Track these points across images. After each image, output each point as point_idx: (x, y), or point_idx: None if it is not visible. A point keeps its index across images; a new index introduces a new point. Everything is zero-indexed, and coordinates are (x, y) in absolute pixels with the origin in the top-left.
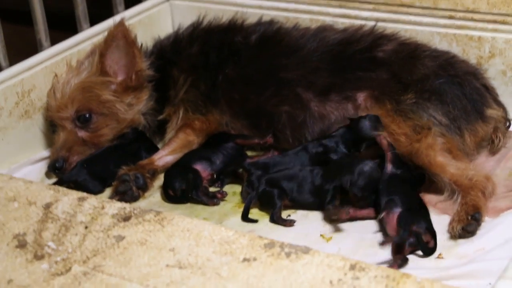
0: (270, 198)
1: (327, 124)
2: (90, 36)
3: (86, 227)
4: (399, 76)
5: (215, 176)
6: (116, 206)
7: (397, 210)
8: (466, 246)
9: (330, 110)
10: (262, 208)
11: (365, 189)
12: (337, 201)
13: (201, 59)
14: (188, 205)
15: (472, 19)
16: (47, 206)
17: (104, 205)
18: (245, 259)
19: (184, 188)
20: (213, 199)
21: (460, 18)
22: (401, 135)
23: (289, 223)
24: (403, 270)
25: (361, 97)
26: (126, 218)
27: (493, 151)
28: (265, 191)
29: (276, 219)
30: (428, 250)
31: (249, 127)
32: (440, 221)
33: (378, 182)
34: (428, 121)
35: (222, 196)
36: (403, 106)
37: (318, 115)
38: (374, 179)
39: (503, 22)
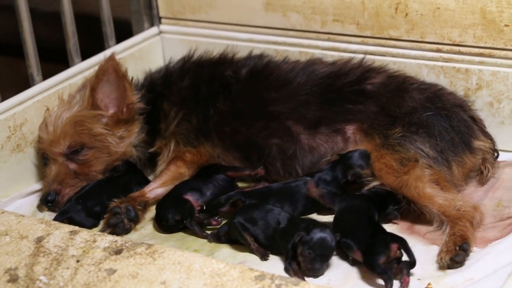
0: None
1: (317, 156)
2: (81, 70)
3: (77, 261)
4: (387, 109)
5: (204, 207)
6: (108, 239)
7: (357, 251)
8: (455, 276)
9: (320, 142)
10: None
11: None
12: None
13: (192, 92)
14: (179, 236)
15: (459, 52)
16: (39, 240)
17: (95, 239)
18: None
19: (178, 218)
20: (203, 233)
21: (447, 51)
22: (388, 168)
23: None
24: None
25: (350, 130)
26: (118, 251)
27: (482, 182)
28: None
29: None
30: (410, 261)
31: (240, 159)
32: (429, 251)
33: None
34: (415, 153)
35: (218, 223)
36: (390, 140)
37: (308, 147)
38: (326, 247)
39: (490, 55)
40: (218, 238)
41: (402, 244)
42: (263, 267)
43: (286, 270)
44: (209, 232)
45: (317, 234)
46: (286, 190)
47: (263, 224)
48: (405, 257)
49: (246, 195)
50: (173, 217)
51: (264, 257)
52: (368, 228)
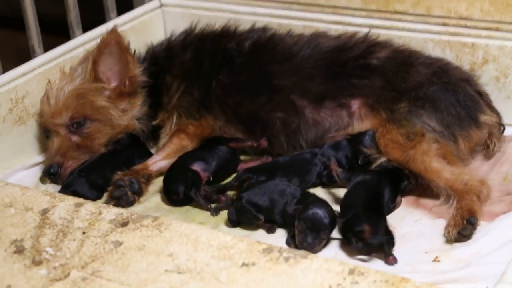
0: (249, 214)
1: (321, 131)
2: (83, 42)
3: (83, 233)
4: (393, 83)
5: (211, 178)
6: (113, 212)
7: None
8: (462, 249)
9: (325, 117)
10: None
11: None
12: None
13: (194, 65)
14: (184, 209)
15: (466, 26)
16: (44, 212)
17: (101, 211)
18: (243, 264)
19: (188, 191)
20: (208, 206)
21: (453, 25)
22: (394, 143)
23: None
24: (400, 273)
25: (355, 104)
26: (124, 224)
27: (488, 156)
28: (241, 207)
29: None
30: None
31: (243, 132)
32: (436, 225)
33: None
34: (421, 128)
35: (227, 199)
36: (396, 115)
37: (312, 122)
38: (317, 221)
39: (497, 29)
40: (230, 220)
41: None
42: (270, 241)
43: (288, 243)
44: (213, 205)
45: (312, 209)
46: (293, 163)
47: (274, 200)
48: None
49: (253, 172)
50: (183, 190)
51: (270, 230)
52: (365, 203)
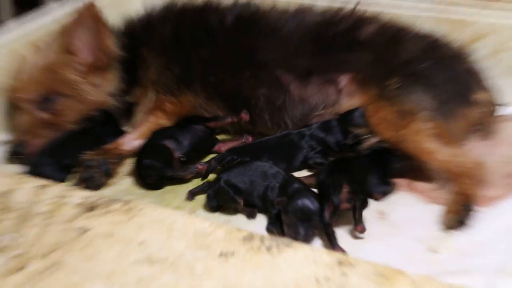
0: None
1: (307, 108)
2: (57, 16)
3: (46, 218)
4: (383, 59)
5: (182, 159)
6: (80, 195)
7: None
8: (460, 237)
9: (311, 93)
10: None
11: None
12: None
13: (174, 39)
14: (159, 192)
15: (457, 3)
16: (3, 195)
17: (66, 194)
18: (222, 254)
19: (160, 166)
20: (191, 169)
21: (444, 2)
22: (386, 122)
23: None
24: (393, 264)
25: (343, 80)
26: (91, 208)
27: (484, 137)
28: (219, 189)
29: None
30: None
31: (224, 110)
32: (430, 211)
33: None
34: (414, 105)
35: (203, 167)
36: (387, 91)
37: (298, 98)
38: (307, 212)
39: (487, 6)
40: (209, 204)
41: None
42: (251, 227)
43: (268, 231)
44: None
45: (298, 200)
46: (280, 146)
47: (255, 183)
48: None
49: (237, 153)
50: (159, 166)
51: (251, 215)
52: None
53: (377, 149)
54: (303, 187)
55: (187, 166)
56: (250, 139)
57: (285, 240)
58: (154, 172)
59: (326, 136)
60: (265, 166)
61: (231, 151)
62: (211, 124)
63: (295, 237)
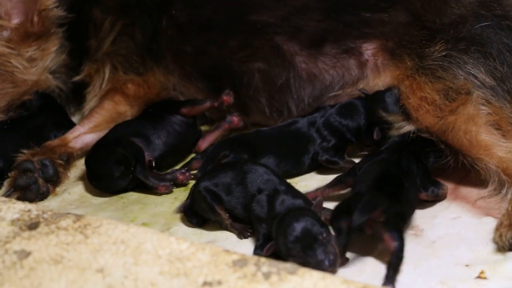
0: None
1: (319, 88)
2: None
3: None
4: (422, 18)
5: (153, 163)
6: (17, 208)
7: None
8: None
9: (324, 68)
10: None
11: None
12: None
13: None
14: (120, 203)
15: None
16: None
17: None
18: (205, 283)
19: (123, 168)
20: (165, 182)
21: None
22: (428, 104)
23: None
24: None
25: (368, 49)
26: (32, 226)
27: None
28: (197, 195)
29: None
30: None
31: (206, 92)
32: (482, 226)
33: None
34: (465, 82)
35: (186, 177)
36: (429, 62)
37: (306, 75)
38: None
39: None
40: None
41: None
42: (243, 248)
43: (257, 255)
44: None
45: (291, 226)
46: (285, 136)
47: (241, 191)
48: None
49: (231, 147)
50: (118, 166)
51: (243, 234)
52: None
53: (413, 139)
54: (292, 207)
55: (163, 176)
56: (236, 120)
57: (288, 265)
58: (112, 176)
59: (345, 122)
60: (259, 170)
61: (222, 144)
62: (184, 110)
63: (317, 267)
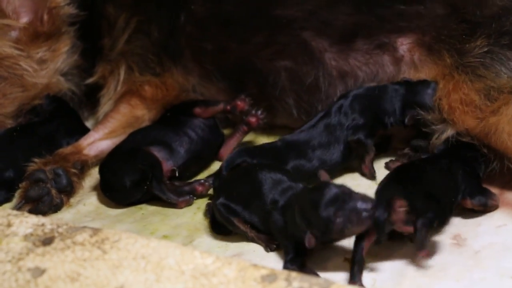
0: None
1: (351, 86)
2: None
3: None
4: (462, 10)
5: (177, 173)
6: (30, 222)
7: None
8: None
9: (356, 65)
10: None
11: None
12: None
13: None
14: (138, 215)
15: None
16: None
17: (10, 221)
18: None
19: (137, 178)
20: (185, 196)
21: None
22: (467, 105)
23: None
24: None
25: (403, 44)
26: (47, 241)
27: None
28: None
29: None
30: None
31: (228, 93)
32: None
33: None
34: (509, 80)
35: (204, 188)
36: (469, 59)
37: (337, 73)
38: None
39: None
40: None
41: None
42: (270, 261)
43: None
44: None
45: (322, 193)
46: (315, 136)
47: (259, 203)
48: None
49: (252, 154)
50: (131, 177)
51: (269, 247)
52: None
53: (455, 146)
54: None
55: (180, 188)
56: (253, 121)
57: (321, 280)
58: (126, 188)
59: (378, 102)
60: (275, 177)
61: (242, 152)
62: (198, 111)
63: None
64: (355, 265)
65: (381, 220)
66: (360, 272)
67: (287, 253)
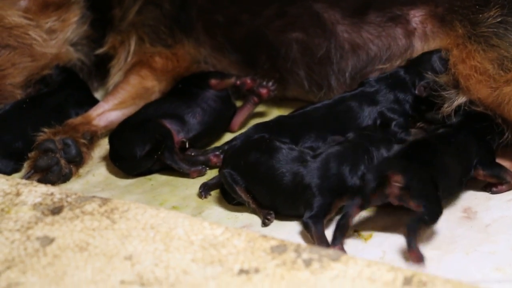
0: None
1: (363, 60)
2: None
3: None
4: None
5: (187, 145)
6: (39, 191)
7: None
8: None
9: (368, 37)
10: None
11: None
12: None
13: None
14: (148, 186)
15: None
16: None
17: (19, 190)
18: (242, 271)
19: (148, 148)
20: (197, 167)
21: None
22: (480, 74)
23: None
24: (484, 282)
25: (416, 17)
26: (56, 210)
27: None
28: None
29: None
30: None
31: (240, 65)
32: None
33: None
34: None
35: (219, 159)
36: (482, 29)
37: (349, 45)
38: None
39: None
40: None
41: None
42: (280, 233)
43: (307, 226)
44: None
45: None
46: (333, 116)
47: (266, 173)
48: None
49: (270, 129)
50: (142, 147)
51: (267, 219)
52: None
53: (468, 115)
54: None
55: (193, 158)
56: (264, 92)
57: (331, 251)
58: (135, 157)
59: (395, 93)
60: (291, 150)
61: (259, 126)
62: (213, 82)
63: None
64: (337, 229)
65: (368, 187)
66: (342, 236)
67: (310, 209)
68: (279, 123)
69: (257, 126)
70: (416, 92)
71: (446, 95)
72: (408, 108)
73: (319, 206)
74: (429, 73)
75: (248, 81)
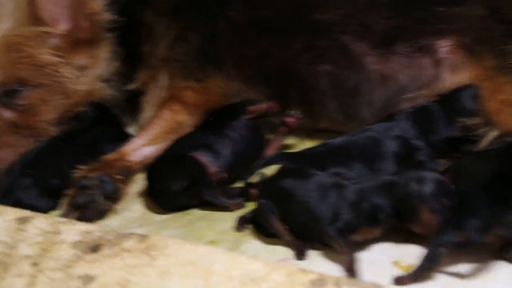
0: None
1: (393, 90)
2: None
3: (34, 264)
4: (502, 10)
5: (225, 175)
6: (78, 229)
7: None
8: None
9: (397, 68)
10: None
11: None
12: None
13: None
14: (184, 221)
15: None
16: None
17: (59, 229)
18: None
19: (186, 184)
20: (236, 200)
21: None
22: (510, 107)
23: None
24: None
25: (444, 47)
26: (95, 248)
27: None
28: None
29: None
30: None
31: (271, 99)
32: None
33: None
34: None
35: (256, 191)
36: (511, 60)
37: (378, 76)
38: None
39: None
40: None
41: None
42: (318, 266)
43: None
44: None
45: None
46: (353, 145)
47: (302, 203)
48: None
49: (293, 159)
50: (179, 183)
51: (301, 254)
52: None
53: (502, 148)
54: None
55: (232, 189)
56: (291, 121)
57: (371, 284)
58: (181, 182)
59: (422, 130)
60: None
61: (281, 156)
62: (252, 108)
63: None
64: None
65: (474, 237)
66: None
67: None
68: (302, 155)
69: (279, 154)
70: (453, 133)
71: (479, 133)
72: (434, 141)
73: (345, 220)
74: (462, 111)
75: (272, 104)
